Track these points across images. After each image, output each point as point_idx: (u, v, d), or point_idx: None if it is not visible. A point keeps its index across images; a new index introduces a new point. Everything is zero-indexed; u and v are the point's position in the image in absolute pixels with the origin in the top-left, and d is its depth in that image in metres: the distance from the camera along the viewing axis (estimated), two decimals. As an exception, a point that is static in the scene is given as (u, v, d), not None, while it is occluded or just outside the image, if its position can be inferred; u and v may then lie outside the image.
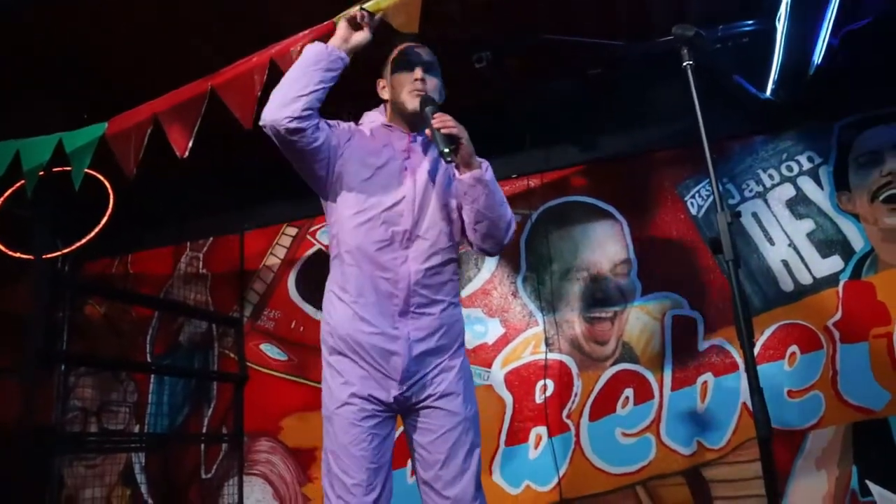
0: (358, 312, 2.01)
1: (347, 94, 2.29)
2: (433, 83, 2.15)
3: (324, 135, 2.04)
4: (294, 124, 1.95)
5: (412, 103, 2.09)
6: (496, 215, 2.04)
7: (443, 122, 1.96)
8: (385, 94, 2.21)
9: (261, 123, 2.00)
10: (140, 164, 2.81)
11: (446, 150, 1.91)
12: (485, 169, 2.02)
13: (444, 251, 2.08)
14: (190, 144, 2.67)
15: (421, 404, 2.01)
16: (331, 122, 2.13)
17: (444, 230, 2.09)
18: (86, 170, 2.92)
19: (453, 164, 2.00)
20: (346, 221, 2.08)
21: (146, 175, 3.11)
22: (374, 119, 2.24)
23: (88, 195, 3.60)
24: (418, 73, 2.12)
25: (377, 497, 1.95)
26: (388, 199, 2.07)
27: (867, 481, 2.94)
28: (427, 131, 2.01)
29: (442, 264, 2.07)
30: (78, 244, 4.09)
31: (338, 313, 2.05)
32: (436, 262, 2.05)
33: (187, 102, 2.69)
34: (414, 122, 2.16)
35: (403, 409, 2.04)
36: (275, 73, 2.50)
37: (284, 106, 1.96)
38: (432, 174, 2.12)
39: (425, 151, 2.16)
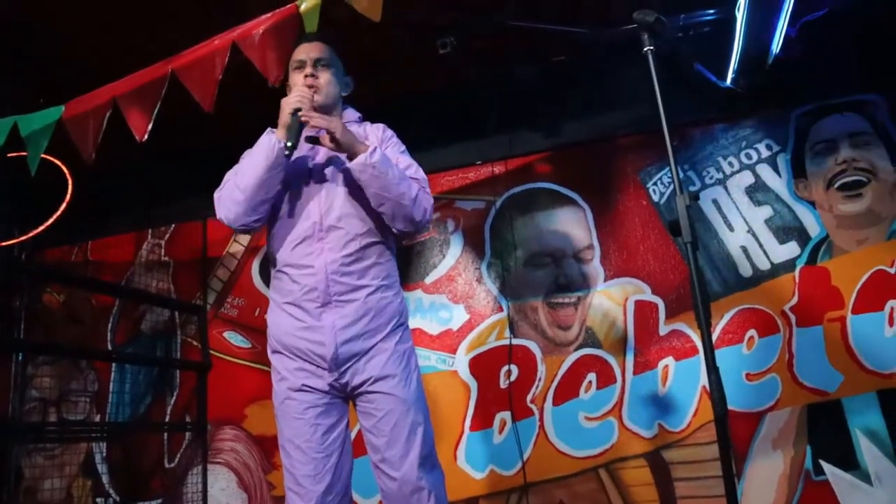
0: (287, 311, 2.10)
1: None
2: (326, 77, 2.19)
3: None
4: (248, 227, 2.13)
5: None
6: (395, 195, 2.02)
7: (308, 116, 1.99)
8: None
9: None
10: (99, 148, 2.77)
11: (288, 144, 1.96)
12: (370, 152, 1.99)
13: (363, 236, 2.10)
14: (149, 128, 2.64)
15: (360, 389, 2.05)
16: None
17: (361, 216, 2.10)
18: (43, 155, 2.87)
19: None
20: (272, 234, 2.19)
21: (106, 161, 3.06)
22: None
23: (46, 181, 3.53)
24: (307, 69, 2.18)
25: (328, 485, 2.02)
26: (297, 199, 2.14)
27: (820, 461, 3.03)
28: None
29: (362, 249, 2.09)
30: (35, 231, 4.01)
31: (273, 317, 2.16)
32: (353, 248, 2.08)
33: (147, 85, 2.65)
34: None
35: (346, 395, 2.10)
36: (236, 56, 2.49)
37: (237, 218, 2.09)
38: (340, 165, 2.14)
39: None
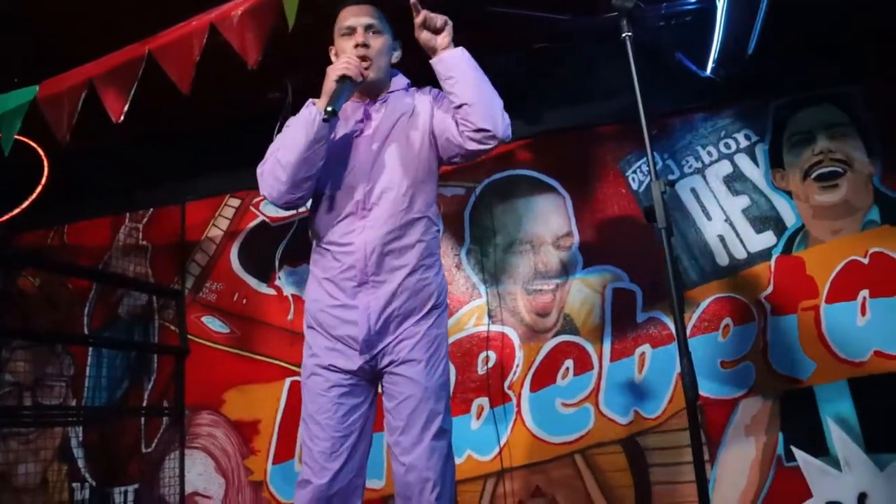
0: (324, 288, 2.08)
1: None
2: (378, 45, 2.13)
3: None
4: (291, 203, 2.10)
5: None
6: (490, 90, 2.05)
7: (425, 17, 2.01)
8: None
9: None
10: (76, 131, 2.74)
11: (328, 109, 1.91)
12: (463, 51, 2.04)
13: (406, 212, 2.05)
14: (126, 109, 2.61)
15: (386, 370, 2.04)
16: None
17: (405, 193, 2.06)
18: (17, 136, 2.84)
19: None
20: (315, 210, 2.15)
21: (84, 143, 3.02)
22: None
23: (21, 163, 3.49)
24: (358, 37, 2.10)
25: (342, 464, 2.00)
26: (340, 173, 2.09)
27: (792, 447, 3.07)
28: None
29: (404, 226, 2.04)
30: (10, 214, 3.96)
31: (310, 291, 2.14)
32: (395, 225, 2.03)
33: (123, 66, 2.63)
34: (368, 89, 2.15)
35: (373, 375, 2.08)
36: (215, 38, 2.47)
37: (280, 196, 2.06)
38: (387, 138, 2.10)
39: (382, 116, 2.14)
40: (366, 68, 2.06)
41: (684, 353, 1.57)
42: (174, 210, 4.30)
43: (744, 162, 3.46)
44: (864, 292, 3.15)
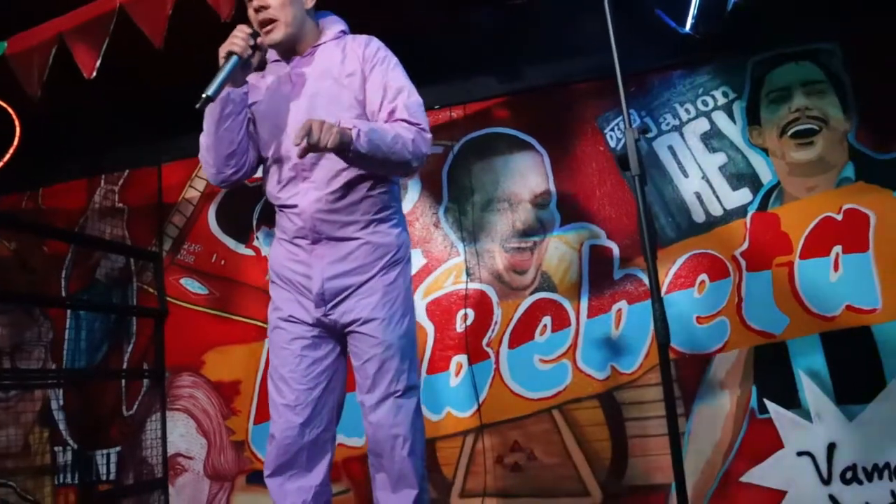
0: (284, 247, 2.14)
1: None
2: (277, 1, 2.02)
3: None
4: (230, 183, 2.13)
5: (264, 38, 2.04)
6: (395, 158, 1.94)
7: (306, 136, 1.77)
8: None
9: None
10: (50, 91, 2.70)
11: (203, 95, 1.84)
12: (355, 138, 1.82)
13: (349, 170, 2.02)
14: (97, 65, 2.57)
15: (349, 328, 2.06)
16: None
17: None
18: (-12, 98, 2.79)
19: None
20: (264, 176, 2.19)
21: (57, 104, 2.97)
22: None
23: (-9, 124, 3.43)
24: (255, 2, 2.03)
25: (307, 418, 2.03)
26: (278, 137, 2.09)
27: (765, 399, 3.13)
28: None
29: (348, 184, 2.03)
30: (-18, 177, 3.90)
31: (273, 250, 2.21)
32: (339, 184, 2.02)
33: (94, 20, 2.59)
34: (285, 49, 2.12)
35: (336, 331, 2.09)
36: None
37: (214, 177, 2.13)
38: (318, 95, 2.06)
39: (308, 74, 2.09)
40: (268, 32, 2.02)
41: (656, 298, 1.59)
42: (150, 171, 4.25)
43: (721, 119, 3.47)
44: (838, 248, 3.18)
